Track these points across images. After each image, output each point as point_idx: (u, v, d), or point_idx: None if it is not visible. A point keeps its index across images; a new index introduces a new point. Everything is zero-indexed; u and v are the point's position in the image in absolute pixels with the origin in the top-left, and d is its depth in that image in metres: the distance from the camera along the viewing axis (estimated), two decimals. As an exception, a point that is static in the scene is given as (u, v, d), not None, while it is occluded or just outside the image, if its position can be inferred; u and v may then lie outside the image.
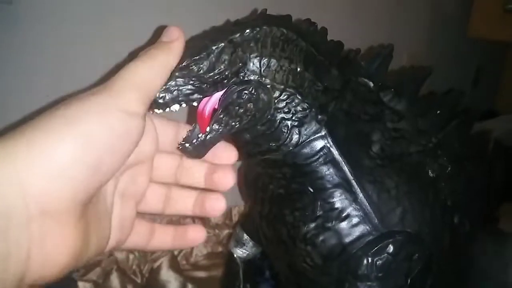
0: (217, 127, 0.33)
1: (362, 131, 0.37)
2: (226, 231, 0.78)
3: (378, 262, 0.33)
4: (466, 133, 0.42)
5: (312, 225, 0.36)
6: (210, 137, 0.32)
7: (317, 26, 0.39)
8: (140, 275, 0.67)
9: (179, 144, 0.32)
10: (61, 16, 0.57)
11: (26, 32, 0.55)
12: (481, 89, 1.31)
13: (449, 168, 0.40)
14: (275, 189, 0.39)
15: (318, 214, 0.36)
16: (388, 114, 0.39)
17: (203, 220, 0.79)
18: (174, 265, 0.66)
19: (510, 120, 1.09)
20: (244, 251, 0.55)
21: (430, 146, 0.39)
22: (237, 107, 0.33)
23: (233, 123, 0.33)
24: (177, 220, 0.76)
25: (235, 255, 0.55)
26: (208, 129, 0.33)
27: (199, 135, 0.32)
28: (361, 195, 0.35)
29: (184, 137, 0.32)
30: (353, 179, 0.35)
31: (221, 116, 0.33)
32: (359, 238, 0.35)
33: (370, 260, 0.34)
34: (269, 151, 0.36)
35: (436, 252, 0.37)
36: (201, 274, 0.70)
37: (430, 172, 0.39)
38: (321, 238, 0.36)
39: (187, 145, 0.32)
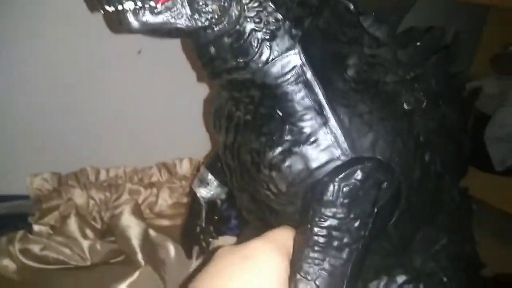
0: (169, 11, 0.30)
1: (338, 53, 0.35)
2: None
3: (345, 189, 0.32)
4: (444, 70, 0.41)
5: (278, 149, 0.34)
6: (156, 16, 0.30)
7: None
8: (101, 221, 0.66)
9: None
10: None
11: None
12: (458, 56, 1.31)
13: (424, 103, 0.37)
14: (242, 115, 0.37)
15: (285, 139, 0.34)
16: (366, 39, 0.36)
17: (170, 170, 0.77)
18: (137, 212, 0.65)
19: (480, 86, 1.09)
20: (208, 191, 0.53)
21: (407, 78, 0.37)
22: (202, 2, 0.30)
23: (187, 18, 0.31)
24: (142, 170, 0.75)
25: (198, 195, 0.53)
26: (159, 5, 0.30)
27: (145, 5, 0.29)
28: (332, 118, 0.33)
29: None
30: (326, 101, 0.33)
31: (180, 1, 0.30)
32: (327, 163, 0.33)
33: (336, 186, 0.32)
34: (236, 68, 0.34)
35: (406, 185, 0.36)
36: (164, 222, 0.69)
37: (405, 104, 0.37)
38: (287, 163, 0.34)
39: (126, 10, 0.29)
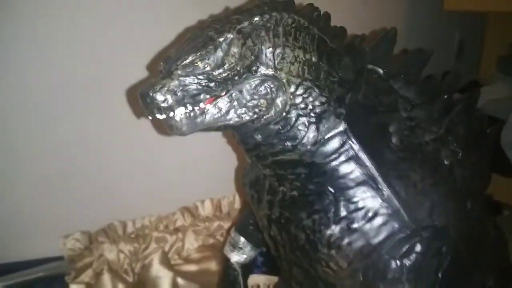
0: (217, 110, 0.30)
1: (380, 123, 0.35)
2: (216, 223, 0.78)
3: (407, 264, 0.31)
4: (469, 116, 0.40)
5: (337, 228, 0.33)
6: (205, 116, 0.30)
7: (320, 11, 0.36)
8: (132, 273, 0.67)
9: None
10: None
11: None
12: (465, 62, 1.31)
13: (460, 154, 0.37)
14: (288, 191, 0.37)
15: (342, 216, 0.33)
16: (401, 103, 0.36)
17: (193, 213, 0.79)
18: (165, 261, 0.67)
19: (490, 90, 1.09)
20: (241, 255, 0.53)
21: (441, 133, 0.37)
22: (250, 98, 0.30)
23: (236, 114, 0.30)
24: (166, 217, 0.76)
25: (232, 261, 0.53)
26: (207, 106, 0.30)
27: (195, 108, 0.29)
28: (387, 191, 0.33)
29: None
30: (379, 175, 0.33)
31: (229, 100, 0.30)
32: (388, 237, 0.32)
33: (399, 263, 0.31)
34: (283, 151, 0.34)
35: (460, 242, 0.36)
36: (192, 267, 0.70)
37: (445, 160, 0.37)
38: (346, 240, 0.33)
39: (178, 116, 0.29)
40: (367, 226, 0.33)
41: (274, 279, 0.68)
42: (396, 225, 0.33)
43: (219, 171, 0.82)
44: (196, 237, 0.75)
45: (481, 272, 0.41)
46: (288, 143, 0.33)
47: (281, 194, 0.38)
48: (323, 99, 0.33)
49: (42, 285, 0.63)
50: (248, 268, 0.54)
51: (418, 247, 0.32)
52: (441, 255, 0.33)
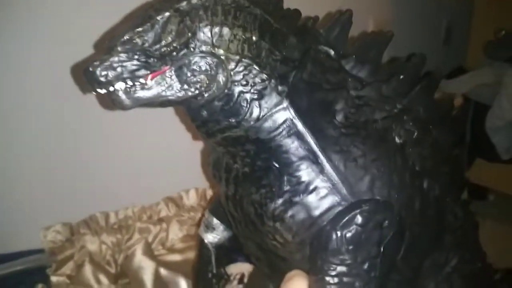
0: (157, 85, 0.31)
1: (325, 101, 0.36)
2: (201, 213, 0.77)
3: (347, 235, 0.33)
4: (430, 97, 0.41)
5: (280, 201, 0.35)
6: (146, 91, 0.31)
7: None
8: (115, 264, 0.66)
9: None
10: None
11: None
12: (453, 47, 1.31)
13: (415, 133, 0.39)
14: (240, 168, 0.38)
15: (285, 189, 0.35)
16: (351, 82, 0.37)
17: (177, 203, 0.78)
18: (148, 251, 0.66)
19: (477, 76, 1.09)
20: (215, 235, 0.53)
21: (395, 112, 0.38)
22: (190, 74, 0.31)
23: (177, 89, 0.32)
24: (150, 207, 0.75)
25: (206, 241, 0.54)
26: (148, 82, 0.31)
27: (136, 83, 0.30)
28: (327, 166, 0.34)
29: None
30: (319, 150, 0.34)
31: (169, 75, 0.31)
32: (328, 209, 0.34)
33: (339, 234, 0.33)
34: (229, 127, 0.35)
35: (408, 217, 0.36)
36: (176, 257, 0.70)
37: (397, 138, 0.38)
38: (289, 213, 0.34)
39: (119, 91, 0.30)
40: (308, 199, 0.34)
41: (248, 266, 0.68)
42: (336, 198, 0.34)
43: (199, 162, 0.81)
44: (180, 227, 0.74)
45: (444, 252, 0.42)
46: (233, 119, 0.34)
47: (235, 171, 0.39)
48: (264, 77, 0.34)
49: (22, 278, 0.61)
50: (223, 250, 0.54)
51: (358, 219, 0.33)
52: (383, 228, 0.34)
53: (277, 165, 0.35)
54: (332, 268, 0.32)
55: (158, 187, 0.77)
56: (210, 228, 0.53)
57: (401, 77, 0.39)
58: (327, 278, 0.32)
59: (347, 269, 0.32)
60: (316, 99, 0.36)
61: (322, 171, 0.34)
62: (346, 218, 0.33)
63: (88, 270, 0.62)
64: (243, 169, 0.38)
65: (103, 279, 0.62)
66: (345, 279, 0.32)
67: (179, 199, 0.78)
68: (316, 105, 0.35)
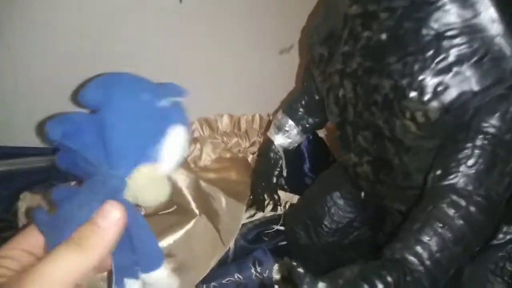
0: None
1: None
2: (234, 139, 0.75)
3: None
4: None
5: (434, 69, 0.29)
6: None
7: None
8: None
9: None
10: None
11: None
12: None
13: None
14: (374, 35, 0.32)
15: (442, 57, 0.28)
16: None
17: (212, 126, 0.76)
18: (185, 164, 0.64)
19: None
20: (286, 139, 0.49)
21: None
22: None
23: None
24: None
25: (276, 143, 0.50)
26: None
27: None
28: (506, 33, 0.27)
29: None
30: (497, 10, 0.27)
31: None
32: (493, 85, 0.28)
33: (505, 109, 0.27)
34: None
35: None
36: (210, 175, 0.68)
37: None
38: (444, 86, 0.28)
39: None
40: (471, 69, 0.28)
41: (295, 197, 0.67)
42: (500, 76, 0.28)
43: (239, 90, 0.78)
44: (213, 149, 0.72)
45: None
46: None
47: (364, 40, 0.33)
48: None
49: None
50: (290, 155, 0.50)
51: None
52: None
53: (435, 26, 0.29)
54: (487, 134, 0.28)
55: (192, 108, 0.75)
56: (282, 130, 0.50)
57: None
58: (478, 142, 0.28)
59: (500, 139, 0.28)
60: None
61: (497, 36, 0.27)
62: None
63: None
64: (379, 35, 0.32)
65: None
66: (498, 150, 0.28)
67: (213, 121, 0.75)
68: None
